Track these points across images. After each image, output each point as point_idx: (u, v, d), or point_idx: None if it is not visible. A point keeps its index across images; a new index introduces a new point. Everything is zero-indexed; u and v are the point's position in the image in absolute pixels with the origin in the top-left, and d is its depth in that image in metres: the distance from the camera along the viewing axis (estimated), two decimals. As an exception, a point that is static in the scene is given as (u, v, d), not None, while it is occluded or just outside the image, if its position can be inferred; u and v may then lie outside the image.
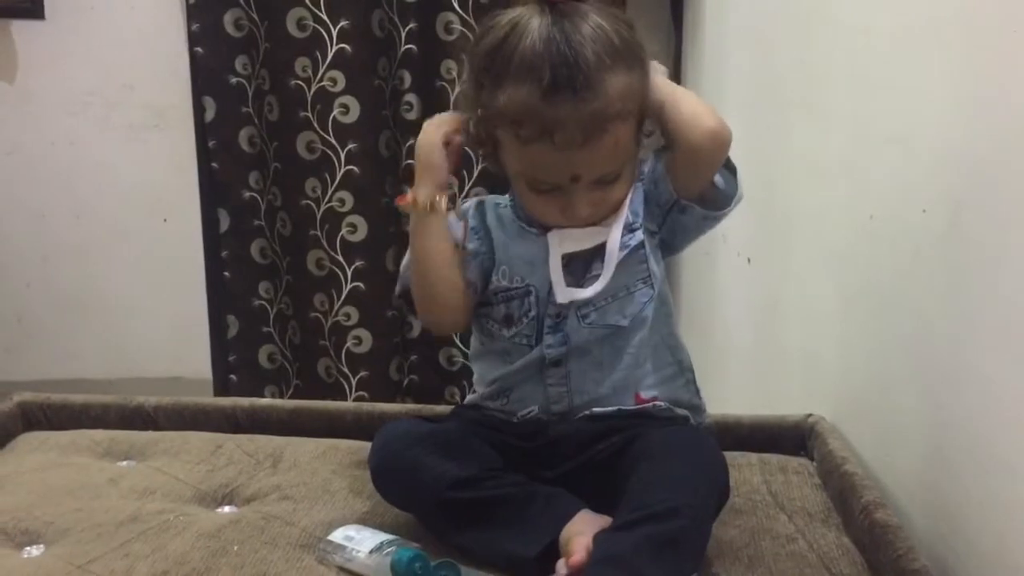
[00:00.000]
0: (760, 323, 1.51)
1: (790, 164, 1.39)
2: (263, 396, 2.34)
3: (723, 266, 1.67)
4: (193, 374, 2.33)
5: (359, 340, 2.20)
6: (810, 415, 1.19)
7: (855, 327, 1.14)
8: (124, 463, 1.13)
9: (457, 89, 2.10)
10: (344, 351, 2.20)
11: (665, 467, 0.83)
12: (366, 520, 0.96)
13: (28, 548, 0.93)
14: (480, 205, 1.00)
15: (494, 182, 2.22)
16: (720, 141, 0.92)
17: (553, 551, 0.84)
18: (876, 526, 0.92)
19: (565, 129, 0.83)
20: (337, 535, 0.90)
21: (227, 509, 1.02)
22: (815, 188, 1.29)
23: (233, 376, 2.34)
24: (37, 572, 0.88)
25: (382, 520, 0.96)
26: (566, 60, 0.82)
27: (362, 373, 2.21)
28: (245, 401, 1.24)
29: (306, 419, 1.22)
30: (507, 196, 1.00)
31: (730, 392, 1.61)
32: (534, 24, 0.84)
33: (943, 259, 0.91)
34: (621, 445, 0.91)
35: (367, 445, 1.15)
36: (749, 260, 1.57)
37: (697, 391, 1.02)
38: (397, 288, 1.05)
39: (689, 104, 0.91)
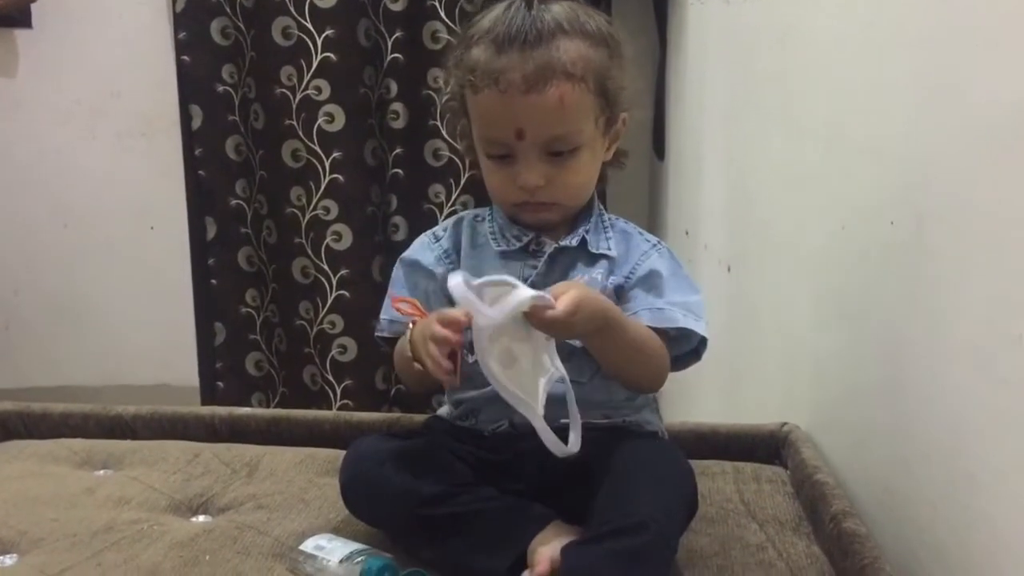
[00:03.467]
0: (739, 331, 1.51)
1: (768, 174, 1.40)
2: (250, 403, 2.35)
3: (705, 274, 1.68)
4: (180, 381, 2.33)
5: (344, 348, 2.21)
6: (785, 424, 1.20)
7: (828, 336, 1.15)
8: (101, 472, 1.13)
9: (441, 101, 2.11)
10: (329, 359, 2.21)
11: (632, 480, 0.83)
12: (339, 530, 0.96)
13: (1, 558, 0.94)
14: (458, 223, 1.01)
15: (481, 191, 2.23)
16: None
17: (523, 563, 0.85)
18: (844, 535, 0.92)
19: (509, 74, 0.86)
20: (308, 545, 0.90)
21: (201, 518, 1.03)
22: (791, 198, 1.30)
23: (220, 383, 2.35)
24: (9, 583, 0.88)
25: (355, 530, 0.96)
26: (524, 20, 0.87)
27: (347, 382, 2.22)
28: (224, 410, 1.25)
29: (285, 428, 1.22)
30: (487, 207, 1.01)
31: (709, 400, 1.63)
32: (505, 4, 0.90)
33: (909, 269, 0.92)
34: (591, 456, 0.92)
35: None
36: (729, 268, 1.58)
37: (660, 416, 1.03)
38: (379, 331, 1.03)
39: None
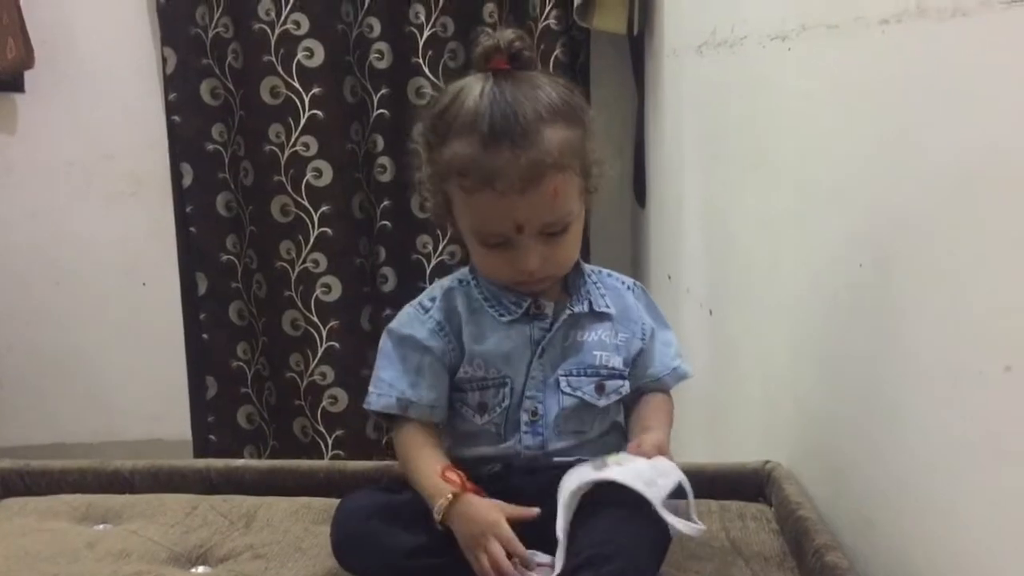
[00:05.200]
0: (721, 372, 1.55)
1: (745, 219, 1.45)
2: (242, 456, 2.37)
3: (687, 318, 1.72)
4: (173, 435, 2.35)
5: (335, 399, 2.24)
6: (767, 462, 1.23)
7: (806, 375, 1.19)
8: (101, 527, 1.15)
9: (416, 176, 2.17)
10: (320, 410, 2.23)
11: (603, 513, 0.86)
12: (335, 576, 0.99)
13: (6, 613, 0.96)
14: (448, 294, 1.01)
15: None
16: None
17: None
18: (826, 568, 0.95)
19: (505, 176, 0.87)
20: (307, 591, 0.93)
21: (201, 569, 1.05)
22: (768, 242, 1.34)
23: (212, 436, 2.37)
24: (14, 636, 0.90)
25: (351, 577, 0.98)
26: (504, 113, 0.88)
27: (338, 432, 2.24)
28: (219, 462, 1.27)
29: (280, 478, 1.25)
30: (466, 270, 1.03)
31: (694, 439, 1.66)
32: (477, 87, 0.91)
33: (878, 311, 0.96)
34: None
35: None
36: (711, 311, 1.62)
37: None
38: (367, 404, 1.03)
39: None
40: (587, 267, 1.04)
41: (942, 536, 0.84)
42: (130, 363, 2.40)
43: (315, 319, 2.21)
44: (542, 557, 0.89)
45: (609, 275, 1.05)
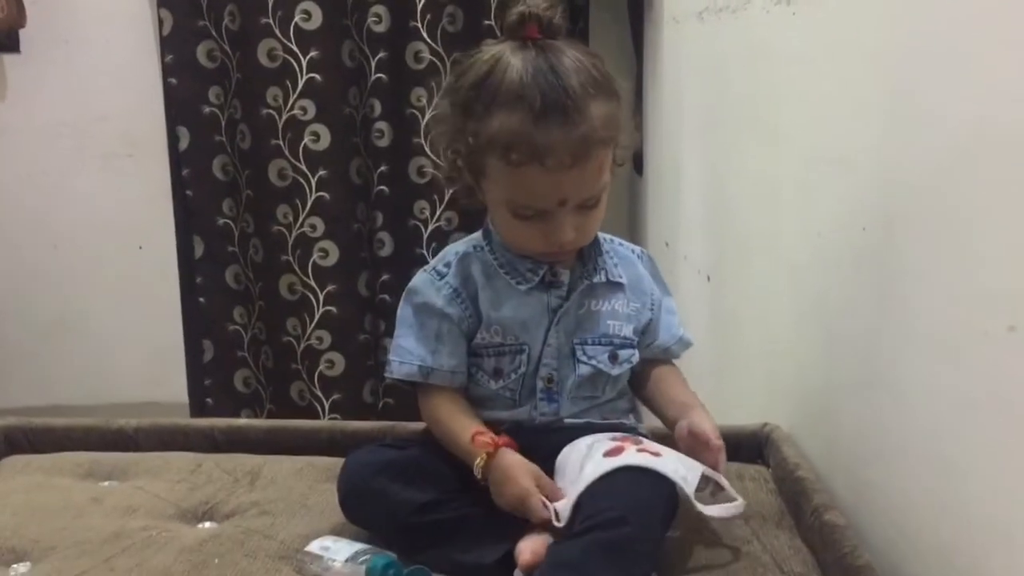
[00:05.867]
0: (721, 338, 1.56)
1: (745, 185, 1.46)
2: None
3: (684, 284, 1.73)
4: (170, 399, 2.36)
5: (332, 363, 2.24)
6: (766, 424, 1.25)
7: (808, 339, 1.20)
8: (106, 483, 1.16)
9: (426, 117, 2.16)
10: (317, 374, 2.24)
11: (610, 478, 0.87)
12: (342, 532, 1.00)
13: (15, 566, 0.96)
14: (464, 260, 1.01)
15: (466, 208, 2.28)
16: None
17: (511, 560, 0.89)
18: (825, 527, 0.97)
19: (555, 152, 0.87)
20: (314, 546, 0.94)
21: (207, 525, 1.06)
22: (769, 208, 1.35)
23: (209, 400, 2.38)
24: (26, 589, 0.91)
25: (356, 531, 1.00)
26: (554, 87, 0.87)
27: (335, 396, 2.25)
28: (223, 421, 1.28)
29: (282, 438, 1.26)
30: (479, 235, 1.03)
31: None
32: (517, 57, 0.89)
33: (881, 272, 0.97)
34: None
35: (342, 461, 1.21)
36: (709, 278, 1.63)
37: (640, 417, 1.10)
38: (389, 372, 1.03)
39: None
40: (600, 235, 1.04)
41: (942, 495, 0.86)
42: (126, 326, 2.40)
43: (312, 283, 2.21)
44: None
45: (621, 244, 1.06)
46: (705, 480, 0.94)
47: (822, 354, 1.16)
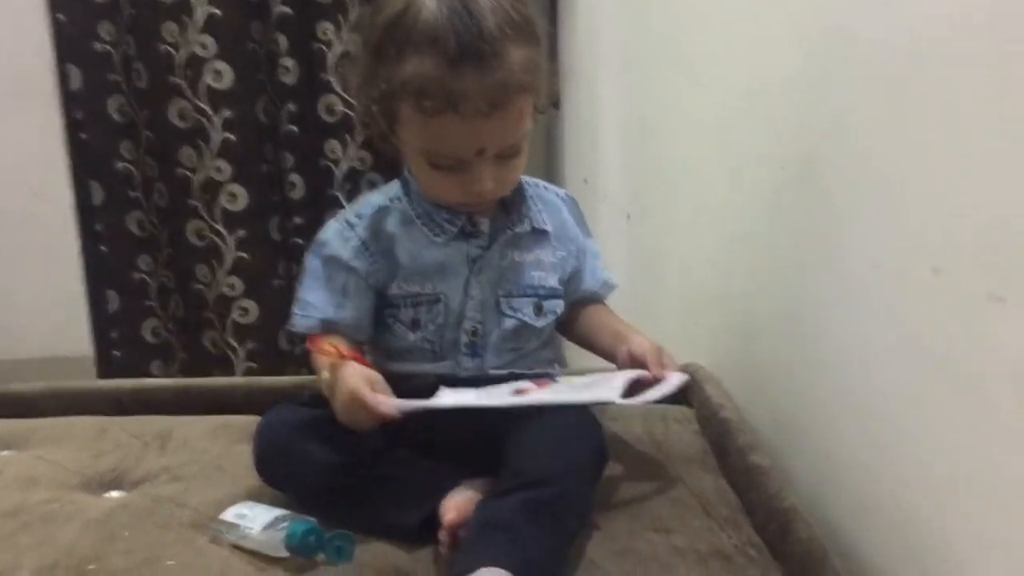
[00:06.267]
0: (641, 278, 1.55)
1: (665, 121, 1.43)
2: (149, 371, 2.30)
3: (605, 224, 1.70)
4: (75, 352, 2.26)
5: (245, 311, 2.17)
6: (688, 364, 1.24)
7: (729, 277, 1.20)
8: (5, 452, 1.10)
9: (332, 56, 2.07)
10: (230, 322, 2.17)
11: (539, 435, 0.85)
12: (258, 497, 0.96)
13: (-97, 548, 0.90)
14: (378, 213, 0.96)
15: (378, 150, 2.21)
16: None
17: (435, 520, 0.86)
18: (750, 469, 0.97)
19: (471, 99, 0.82)
20: (229, 514, 0.90)
21: (115, 494, 1.01)
22: (688, 145, 1.33)
23: (116, 352, 2.29)
24: (-83, 572, 0.86)
25: (274, 496, 0.96)
26: (470, 29, 0.81)
27: (250, 345, 2.19)
28: (129, 382, 1.22)
29: (195, 398, 1.21)
30: (398, 185, 0.98)
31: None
32: (435, 2, 0.83)
33: (800, 211, 0.96)
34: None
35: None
36: (629, 216, 1.61)
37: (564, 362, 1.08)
38: (290, 325, 0.98)
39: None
40: (524, 180, 1.00)
41: (864, 435, 0.86)
42: (24, 278, 2.27)
43: (221, 229, 2.12)
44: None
45: (545, 188, 1.02)
46: (640, 384, 0.92)
47: (743, 292, 1.15)
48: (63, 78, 2.07)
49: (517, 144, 0.89)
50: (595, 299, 1.07)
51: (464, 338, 0.96)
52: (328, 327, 0.94)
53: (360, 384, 0.83)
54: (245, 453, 1.06)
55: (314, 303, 0.94)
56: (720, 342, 1.25)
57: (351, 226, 0.96)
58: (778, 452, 1.03)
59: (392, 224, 0.95)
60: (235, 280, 2.15)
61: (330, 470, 0.90)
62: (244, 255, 2.14)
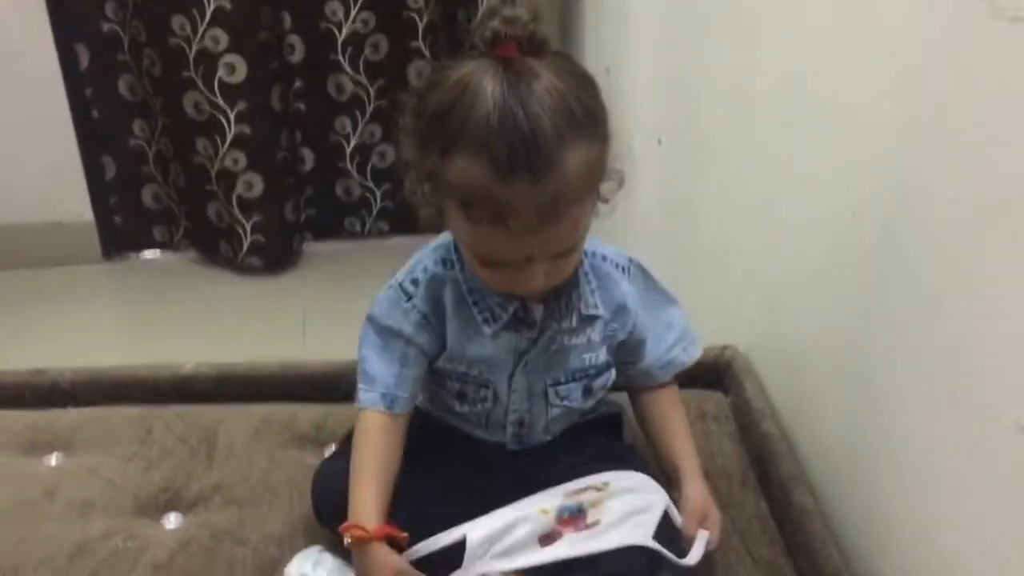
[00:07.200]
0: (672, 223, 1.51)
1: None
2: (153, 238, 2.27)
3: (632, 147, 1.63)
4: (74, 218, 2.21)
5: (250, 185, 2.11)
6: (726, 348, 1.25)
7: (778, 232, 1.16)
8: (53, 460, 1.10)
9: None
10: (235, 196, 2.11)
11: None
12: (313, 528, 0.98)
13: (-19, 594, 0.94)
14: (434, 281, 0.90)
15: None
16: None
17: None
18: (794, 507, 1.00)
19: (520, 215, 0.76)
20: (294, 569, 0.93)
21: (172, 519, 1.03)
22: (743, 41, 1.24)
23: (117, 218, 2.25)
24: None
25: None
26: (523, 137, 0.74)
27: (256, 218, 2.14)
28: (166, 370, 1.21)
29: (233, 386, 1.20)
30: (448, 245, 0.92)
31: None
32: (487, 88, 0.75)
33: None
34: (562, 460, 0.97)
35: (297, 412, 1.18)
36: (660, 141, 1.54)
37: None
38: (362, 403, 0.93)
39: None
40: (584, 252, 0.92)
41: (904, 434, 0.88)
42: (17, 144, 2.16)
43: (220, 102, 2.01)
44: None
45: (604, 258, 0.94)
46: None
47: (783, 261, 1.13)
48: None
49: (572, 248, 0.83)
50: (651, 380, 1.01)
51: (511, 428, 0.95)
52: (390, 402, 0.91)
53: None
54: (291, 464, 1.09)
55: (375, 376, 0.92)
56: (757, 321, 1.24)
57: (408, 296, 0.91)
58: (814, 450, 1.06)
59: (447, 298, 0.90)
60: (238, 154, 2.08)
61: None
62: (246, 129, 2.05)
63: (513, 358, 0.91)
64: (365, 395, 0.91)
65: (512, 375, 0.92)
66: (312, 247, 2.34)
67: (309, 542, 0.97)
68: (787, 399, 1.15)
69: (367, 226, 2.33)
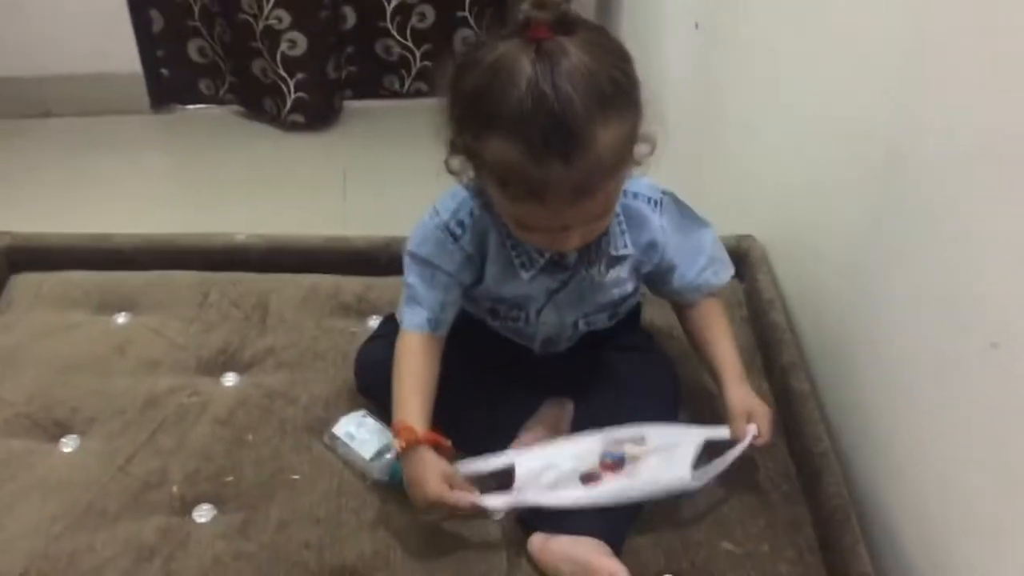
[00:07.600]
0: (703, 110, 1.54)
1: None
2: (199, 90, 2.32)
3: (667, 32, 1.64)
4: (122, 69, 2.27)
5: (293, 43, 2.15)
6: (744, 238, 1.31)
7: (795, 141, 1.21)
8: (121, 319, 1.21)
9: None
10: (279, 54, 2.15)
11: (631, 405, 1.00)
12: (353, 395, 1.10)
13: (63, 440, 1.05)
14: (480, 222, 0.95)
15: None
16: None
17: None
18: (791, 391, 1.09)
19: (555, 193, 0.80)
20: (340, 430, 1.04)
21: (230, 378, 1.14)
22: None
23: (164, 71, 2.30)
24: (84, 474, 1.01)
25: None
26: (555, 121, 0.77)
27: (299, 75, 2.19)
28: (219, 239, 1.30)
29: (282, 255, 1.30)
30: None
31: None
32: (519, 72, 0.78)
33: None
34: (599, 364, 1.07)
35: (341, 283, 1.27)
36: (697, 25, 1.55)
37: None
38: (404, 324, 1.00)
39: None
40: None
41: (904, 329, 0.94)
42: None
43: (264, -38, 2.03)
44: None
45: (635, 196, 0.98)
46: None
47: (808, 160, 1.17)
48: None
49: (605, 213, 0.89)
50: (683, 301, 1.06)
51: (538, 341, 1.04)
52: (435, 325, 0.98)
53: (438, 489, 0.91)
54: (335, 332, 1.20)
55: (421, 301, 0.98)
56: (776, 211, 1.30)
57: (455, 238, 0.95)
58: (821, 338, 1.14)
59: (491, 242, 0.95)
60: (282, 13, 2.11)
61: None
62: (289, -12, 2.07)
63: (545, 296, 0.99)
64: (412, 318, 0.98)
65: (541, 309, 1.00)
66: (352, 105, 2.39)
67: (352, 405, 1.09)
68: (795, 291, 1.23)
69: (406, 85, 2.36)
